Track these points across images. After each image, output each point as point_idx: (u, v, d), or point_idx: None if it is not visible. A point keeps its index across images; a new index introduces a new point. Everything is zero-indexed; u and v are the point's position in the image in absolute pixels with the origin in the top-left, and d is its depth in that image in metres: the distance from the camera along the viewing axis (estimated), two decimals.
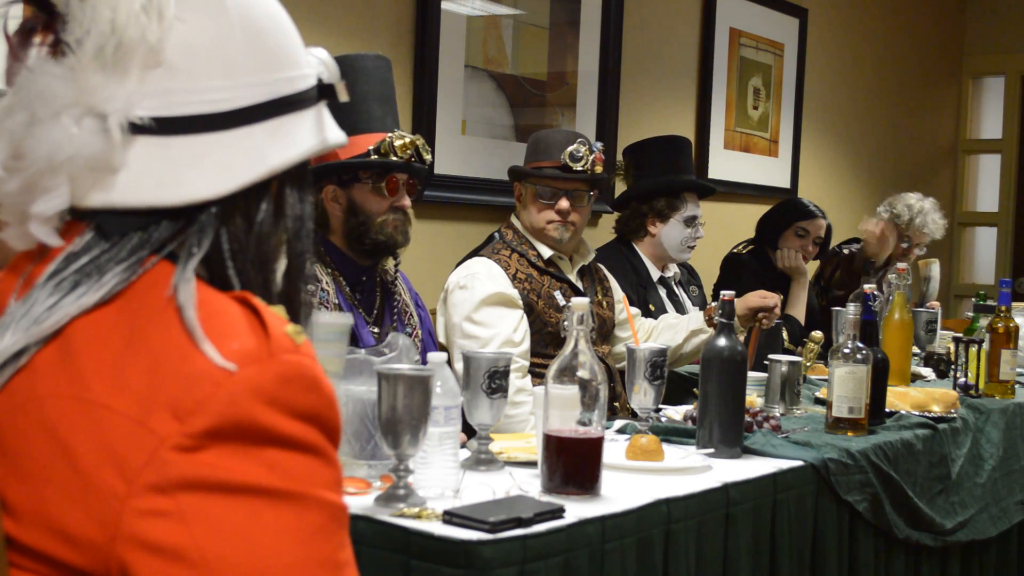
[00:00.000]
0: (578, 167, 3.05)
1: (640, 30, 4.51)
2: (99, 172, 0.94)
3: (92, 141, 0.93)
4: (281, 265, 1.02)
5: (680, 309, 3.69)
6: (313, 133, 1.02)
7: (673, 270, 3.79)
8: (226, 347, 0.88)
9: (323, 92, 1.05)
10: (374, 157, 2.51)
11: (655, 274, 3.70)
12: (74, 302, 0.91)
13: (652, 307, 3.57)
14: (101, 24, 0.93)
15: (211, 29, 0.97)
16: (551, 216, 3.07)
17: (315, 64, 1.05)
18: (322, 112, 1.05)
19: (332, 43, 3.26)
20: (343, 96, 1.05)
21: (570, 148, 3.06)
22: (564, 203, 3.06)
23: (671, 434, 2.40)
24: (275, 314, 0.93)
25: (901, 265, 3.32)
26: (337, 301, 2.52)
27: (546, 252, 3.08)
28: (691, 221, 3.67)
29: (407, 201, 2.59)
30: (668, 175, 3.71)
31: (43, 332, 0.91)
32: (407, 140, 2.54)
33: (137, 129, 0.94)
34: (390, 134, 2.53)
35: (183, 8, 0.96)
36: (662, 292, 3.69)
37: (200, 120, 0.95)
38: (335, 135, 1.05)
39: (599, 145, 3.14)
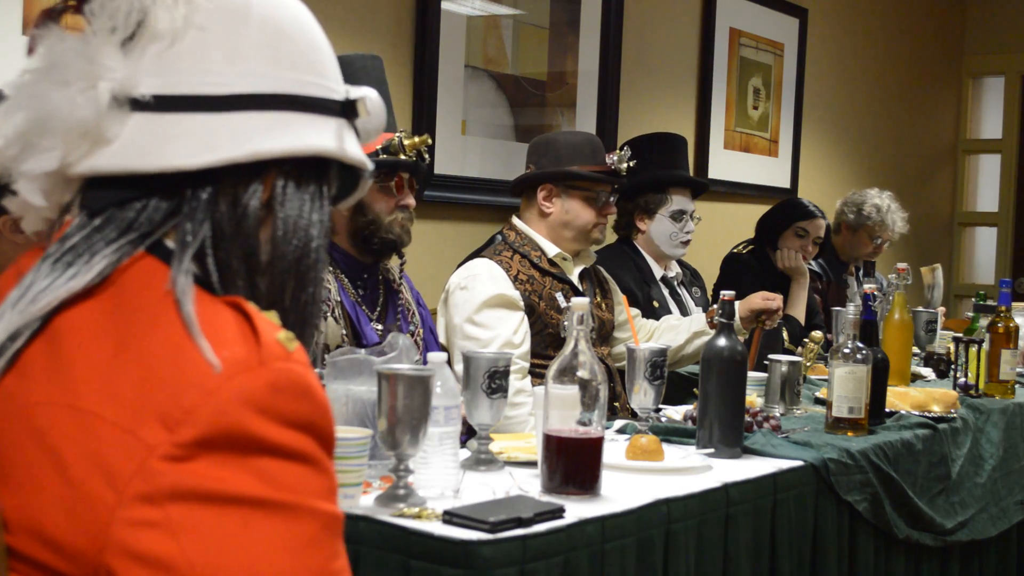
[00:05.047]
0: (622, 169, 3.14)
1: (640, 30, 4.51)
2: (91, 140, 0.95)
3: (85, 106, 0.94)
4: (291, 285, 1.01)
5: (683, 309, 3.70)
6: (321, 137, 1.01)
7: (675, 270, 3.80)
8: (217, 354, 0.87)
9: (347, 111, 1.04)
10: (383, 156, 2.52)
11: (658, 272, 3.71)
12: (64, 284, 0.92)
13: (656, 303, 3.59)
14: (120, 3, 0.96)
15: (227, 18, 0.98)
16: (596, 219, 3.13)
17: (351, 90, 1.05)
18: (344, 128, 1.04)
19: (332, 43, 3.25)
20: (363, 114, 1.05)
21: (617, 153, 3.16)
22: (613, 206, 3.18)
23: (671, 434, 2.40)
24: (267, 320, 0.93)
25: (901, 265, 3.32)
26: (340, 299, 2.53)
27: (552, 250, 3.09)
28: (679, 215, 3.67)
29: (412, 200, 2.61)
30: (657, 171, 3.71)
31: (35, 313, 0.91)
32: (416, 140, 2.55)
33: (137, 105, 0.95)
34: (398, 133, 2.55)
35: None
36: (665, 291, 3.70)
37: (196, 100, 0.96)
38: (356, 153, 1.04)
39: None
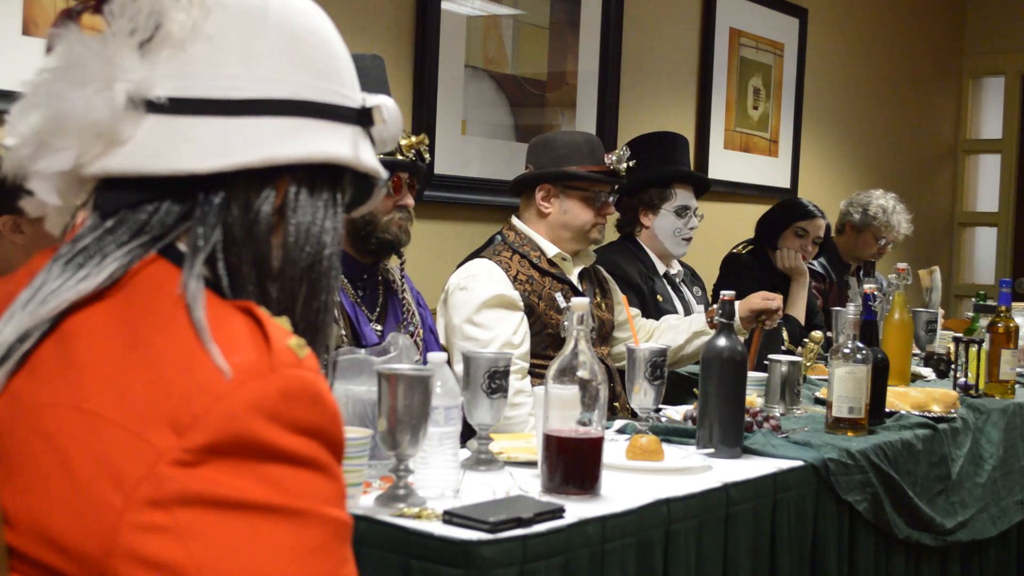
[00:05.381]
0: (621, 170, 3.12)
1: (640, 30, 4.51)
2: (106, 140, 0.95)
3: (101, 106, 0.94)
4: (303, 291, 1.00)
5: (686, 305, 3.71)
6: (335, 144, 1.01)
7: (677, 267, 3.81)
8: (227, 360, 0.87)
9: (363, 119, 1.04)
10: (380, 156, 2.51)
11: (661, 268, 3.72)
12: (75, 285, 0.91)
13: (660, 297, 3.59)
14: (140, 5, 0.96)
15: (244, 23, 0.98)
16: (595, 219, 3.13)
17: (368, 98, 1.05)
18: (360, 136, 1.04)
19: None
20: (379, 122, 1.05)
21: (616, 153, 3.15)
22: (611, 207, 3.17)
23: (671, 434, 2.40)
24: (278, 326, 0.92)
25: (901, 265, 3.32)
26: (339, 299, 2.53)
27: (551, 250, 3.09)
28: (683, 211, 3.68)
29: (411, 200, 2.60)
30: (660, 168, 3.72)
31: (45, 315, 0.91)
32: (413, 140, 2.55)
33: (153, 107, 0.95)
34: None
35: (222, 2, 0.98)
36: (668, 287, 3.71)
37: (211, 103, 0.96)
38: (371, 161, 1.04)
39: None
